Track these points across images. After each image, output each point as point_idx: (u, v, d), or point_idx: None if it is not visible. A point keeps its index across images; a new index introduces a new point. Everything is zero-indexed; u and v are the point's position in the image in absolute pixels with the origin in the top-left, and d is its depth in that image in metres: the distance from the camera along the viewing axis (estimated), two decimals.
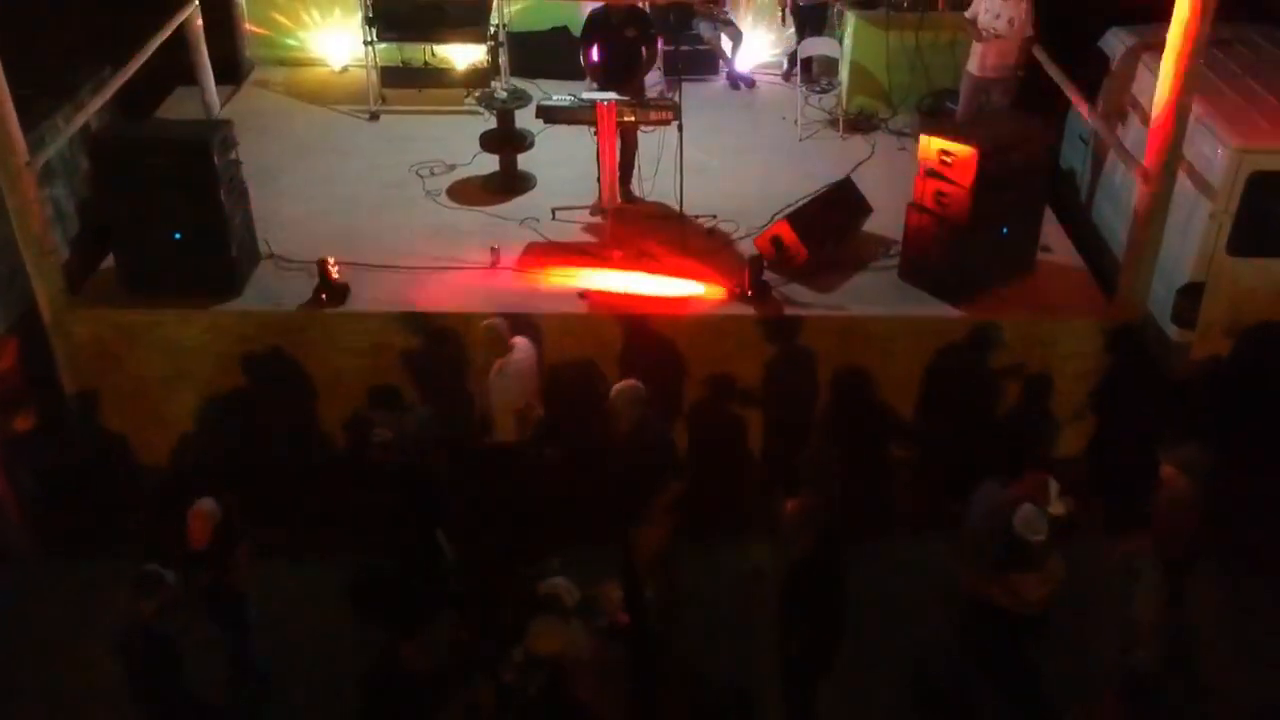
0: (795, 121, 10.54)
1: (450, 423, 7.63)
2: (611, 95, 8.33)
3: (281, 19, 11.59)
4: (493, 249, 8.44)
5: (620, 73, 8.68)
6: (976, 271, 7.98)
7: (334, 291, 8.02)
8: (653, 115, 8.43)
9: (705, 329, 8.00)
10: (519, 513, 7.29)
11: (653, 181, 8.99)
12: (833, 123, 10.63)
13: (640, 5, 9.15)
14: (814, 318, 7.97)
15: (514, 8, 11.20)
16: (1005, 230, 7.99)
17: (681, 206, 8.85)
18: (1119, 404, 8.04)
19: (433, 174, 9.70)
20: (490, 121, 9.63)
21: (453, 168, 9.77)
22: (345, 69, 11.59)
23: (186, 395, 8.13)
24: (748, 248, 8.63)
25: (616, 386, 6.56)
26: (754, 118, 10.85)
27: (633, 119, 8.45)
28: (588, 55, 8.86)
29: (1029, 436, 8.08)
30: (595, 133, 8.58)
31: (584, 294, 8.13)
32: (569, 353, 8.00)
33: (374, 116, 10.70)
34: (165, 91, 11.25)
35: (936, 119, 10.23)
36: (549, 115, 8.53)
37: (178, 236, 7.83)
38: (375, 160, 9.98)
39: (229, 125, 7.94)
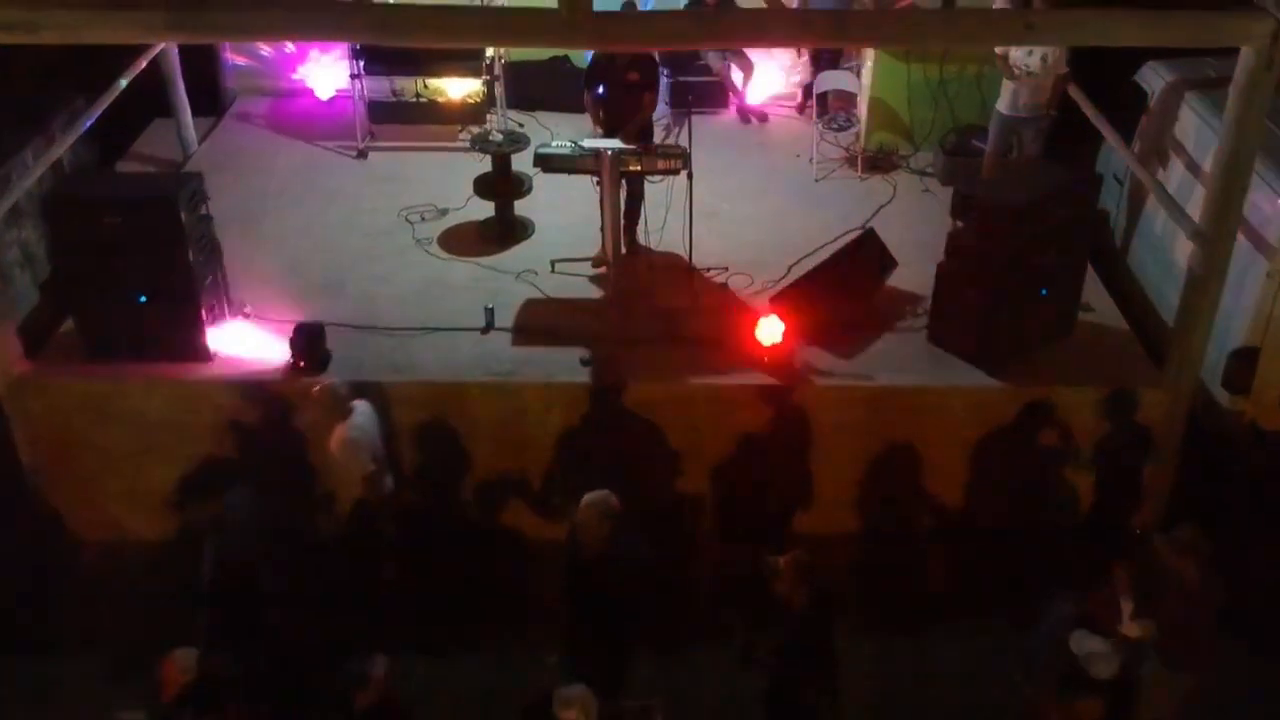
0: (811, 160, 9.87)
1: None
2: (615, 143, 7.67)
3: (265, 48, 10.92)
4: (487, 310, 7.78)
5: (623, 119, 8.02)
6: (1014, 336, 7.33)
7: (315, 357, 7.36)
8: (660, 164, 7.77)
9: (718, 400, 7.34)
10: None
11: (661, 230, 8.32)
12: (851, 161, 9.97)
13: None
14: (839, 388, 7.30)
15: None
16: (1045, 291, 7.33)
17: (691, 259, 8.22)
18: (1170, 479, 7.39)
19: (423, 219, 9.04)
20: (485, 162, 8.97)
21: (444, 212, 9.12)
22: (332, 100, 10.92)
23: (156, 470, 7.46)
24: (764, 305, 7.97)
25: (586, 498, 5.78)
26: (766, 155, 10.18)
27: (638, 169, 7.79)
28: (589, 99, 8.21)
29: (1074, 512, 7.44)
30: (598, 181, 7.95)
31: (586, 361, 7.46)
32: (569, 424, 7.35)
33: (361, 154, 10.05)
34: (143, 123, 10.64)
35: (961, 158, 9.56)
36: (547, 164, 7.87)
37: (143, 300, 7.19)
38: (362, 203, 9.33)
39: (198, 179, 7.28)
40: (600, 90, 8.12)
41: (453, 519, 7.59)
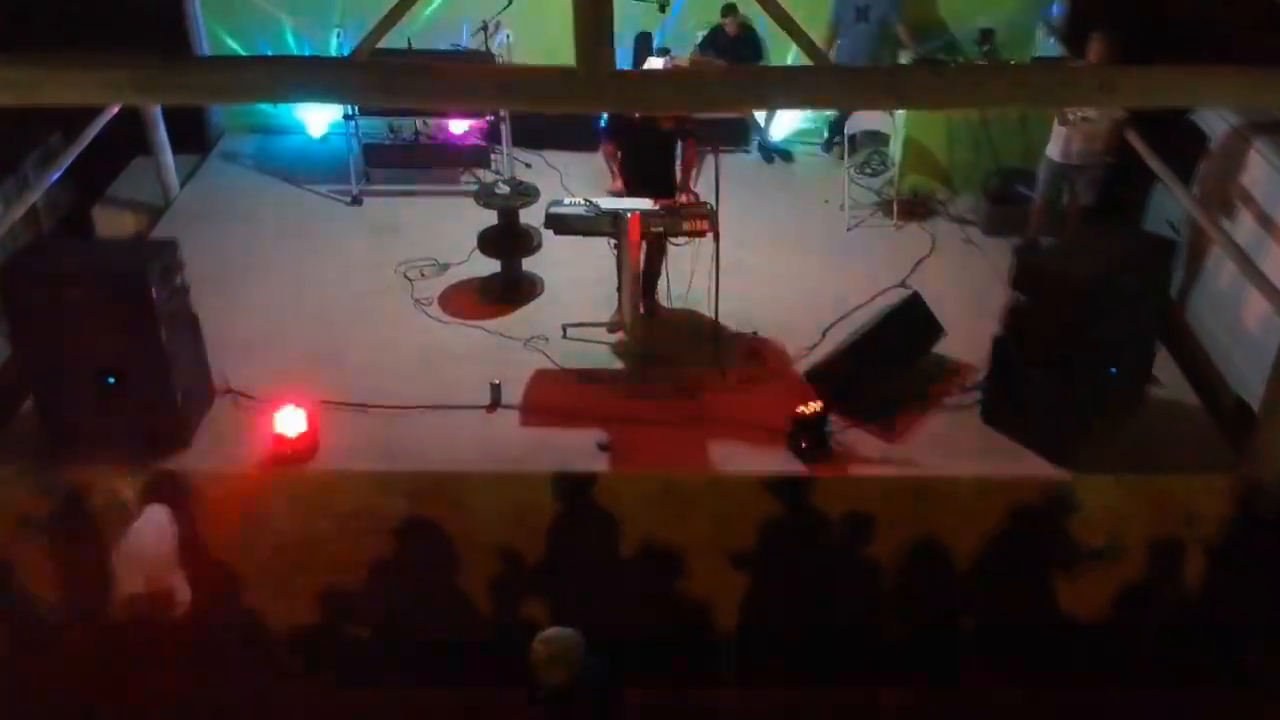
0: (841, 206, 9.13)
1: None
2: (636, 204, 6.94)
3: None
4: (493, 385, 7.05)
5: (649, 172, 7.28)
6: (1080, 418, 6.58)
7: (301, 444, 6.63)
8: (686, 226, 7.02)
9: (749, 491, 6.59)
10: None
11: (686, 292, 7.58)
12: (883, 206, 9.23)
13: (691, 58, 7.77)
14: (883, 478, 6.56)
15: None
16: (1114, 370, 6.59)
17: (717, 322, 7.49)
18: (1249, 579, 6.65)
19: (423, 276, 8.31)
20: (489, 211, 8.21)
21: (445, 267, 8.39)
22: (325, 138, 10.20)
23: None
24: (796, 375, 7.26)
25: (543, 636, 4.98)
26: (793, 199, 9.44)
27: (661, 231, 7.05)
28: (609, 148, 7.46)
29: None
30: (615, 243, 7.22)
31: (604, 445, 6.73)
32: (584, 517, 6.61)
33: (356, 200, 9.31)
34: (124, 160, 9.92)
35: (1006, 205, 8.83)
36: (559, 225, 7.12)
37: (110, 381, 6.46)
38: (356, 256, 8.60)
39: (171, 247, 6.54)
40: (623, 139, 7.36)
41: (442, 627, 6.84)
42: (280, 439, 6.61)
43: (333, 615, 6.83)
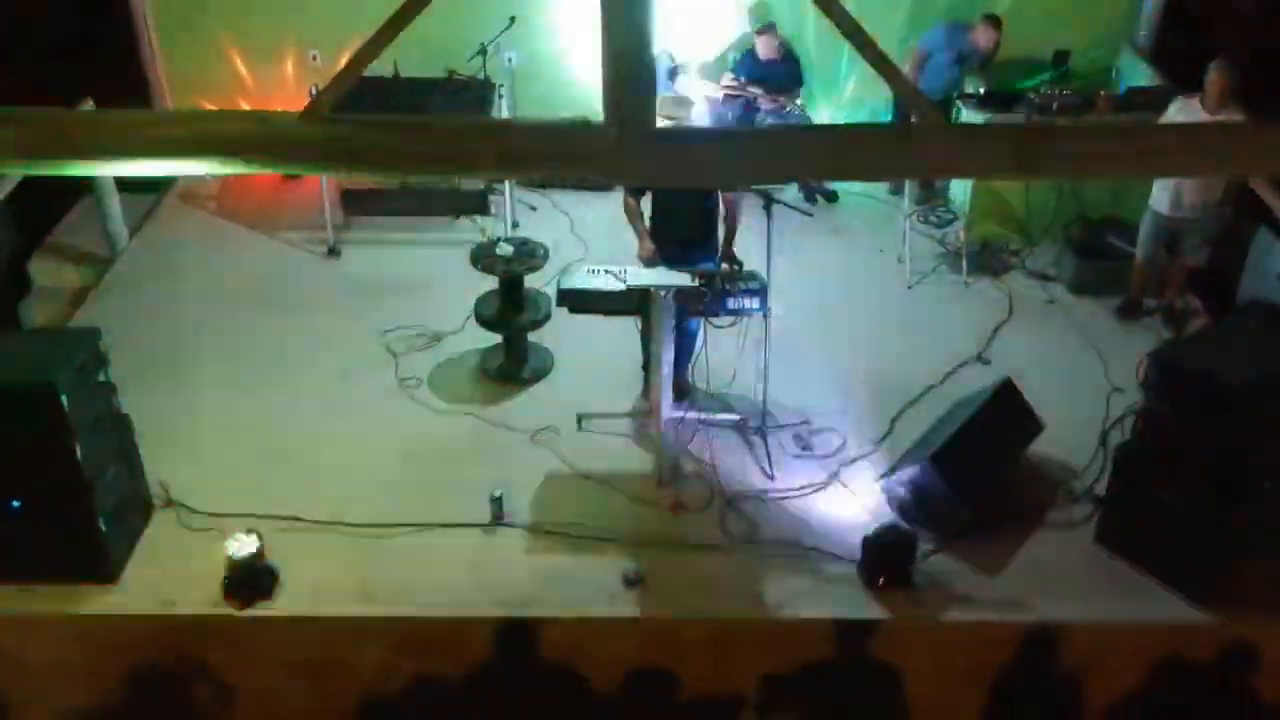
0: (901, 259, 7.82)
1: None
2: (670, 279, 5.63)
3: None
4: (493, 499, 5.73)
5: (683, 234, 5.97)
6: (1222, 547, 5.27)
7: (254, 583, 5.31)
8: (730, 304, 5.71)
9: (813, 638, 5.29)
10: None
11: (730, 382, 6.29)
12: (949, 259, 7.91)
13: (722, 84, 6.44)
14: (981, 624, 5.25)
15: (522, 97, 8.46)
16: (1271, 487, 5.29)
17: (765, 413, 6.20)
18: None
19: (410, 348, 6.99)
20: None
21: (438, 338, 7.07)
22: (299, 177, 8.87)
23: None
24: (862, 480, 5.97)
25: None
26: (842, 249, 8.12)
27: (700, 312, 5.74)
28: (633, 202, 6.15)
29: None
30: (642, 320, 5.93)
31: (633, 579, 5.41)
32: (604, 669, 5.32)
33: (332, 251, 8.00)
34: (69, 202, 8.66)
35: (1097, 260, 7.52)
36: (575, 302, 5.79)
37: (16, 505, 5.16)
38: (331, 323, 7.27)
39: (91, 339, 5.22)
40: (653, 199, 6.07)
41: None
42: (229, 576, 5.29)
43: None
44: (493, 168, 4.32)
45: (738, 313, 5.75)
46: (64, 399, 4.92)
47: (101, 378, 5.31)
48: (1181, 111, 6.69)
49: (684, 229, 6.11)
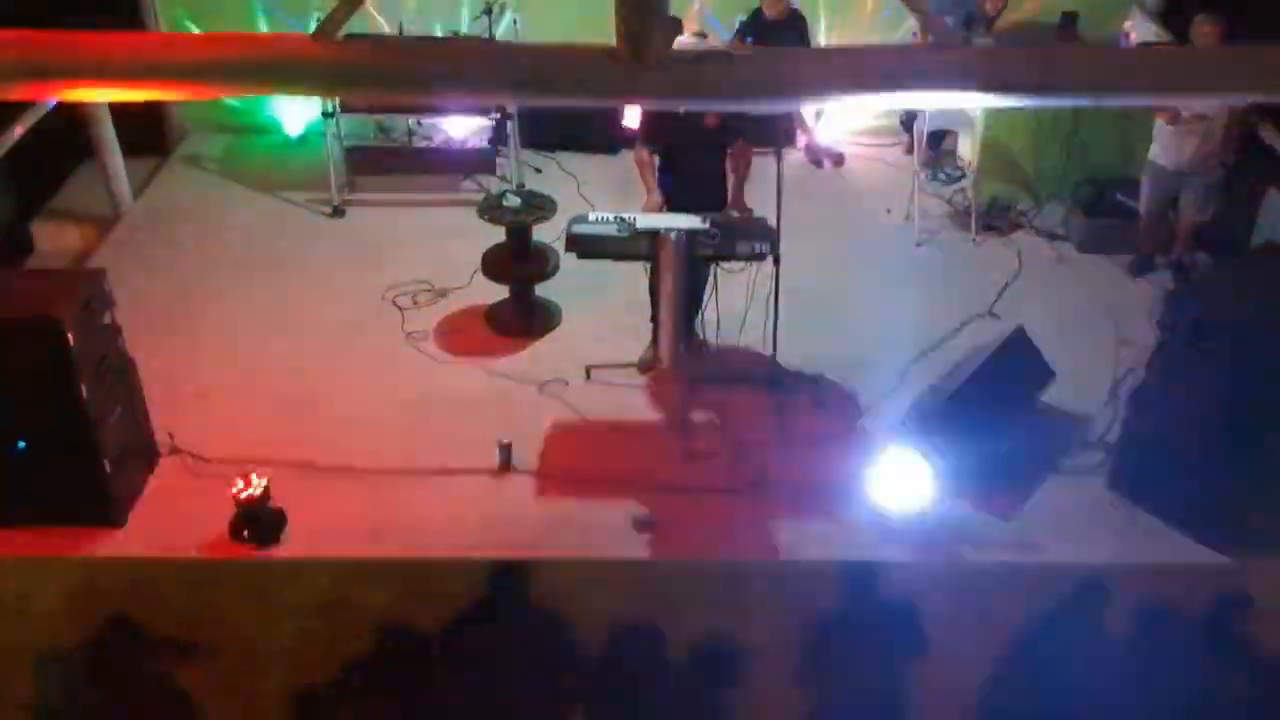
0: (907, 216, 7.78)
1: None
2: (680, 221, 5.59)
3: None
4: (501, 445, 5.69)
5: (693, 183, 5.92)
6: (1236, 491, 5.24)
7: (262, 524, 5.27)
8: (740, 249, 5.66)
9: (827, 580, 5.23)
10: None
11: (741, 327, 6.22)
12: (954, 217, 7.87)
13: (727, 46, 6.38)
14: (999, 569, 5.21)
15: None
16: None
17: (776, 363, 6.15)
18: None
19: (416, 304, 6.95)
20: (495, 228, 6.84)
21: (444, 294, 7.03)
22: (304, 138, 8.84)
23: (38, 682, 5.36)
24: (874, 430, 5.93)
25: None
26: (848, 209, 8.08)
27: (710, 254, 5.70)
28: (644, 153, 6.10)
29: None
30: (651, 267, 5.89)
31: (643, 523, 5.37)
32: (615, 620, 5.26)
33: (337, 211, 7.95)
34: (70, 166, 8.58)
35: (1105, 219, 7.48)
36: (584, 248, 5.75)
37: (21, 446, 5.12)
38: (336, 281, 7.23)
39: (97, 279, 5.18)
40: (661, 141, 6.01)
41: None
42: (237, 516, 5.25)
43: None
44: (507, 92, 4.25)
45: (747, 257, 5.70)
46: (69, 335, 4.87)
47: (107, 319, 5.27)
48: None
49: (694, 183, 6.06)
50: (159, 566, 5.21)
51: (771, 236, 5.67)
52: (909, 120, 8.17)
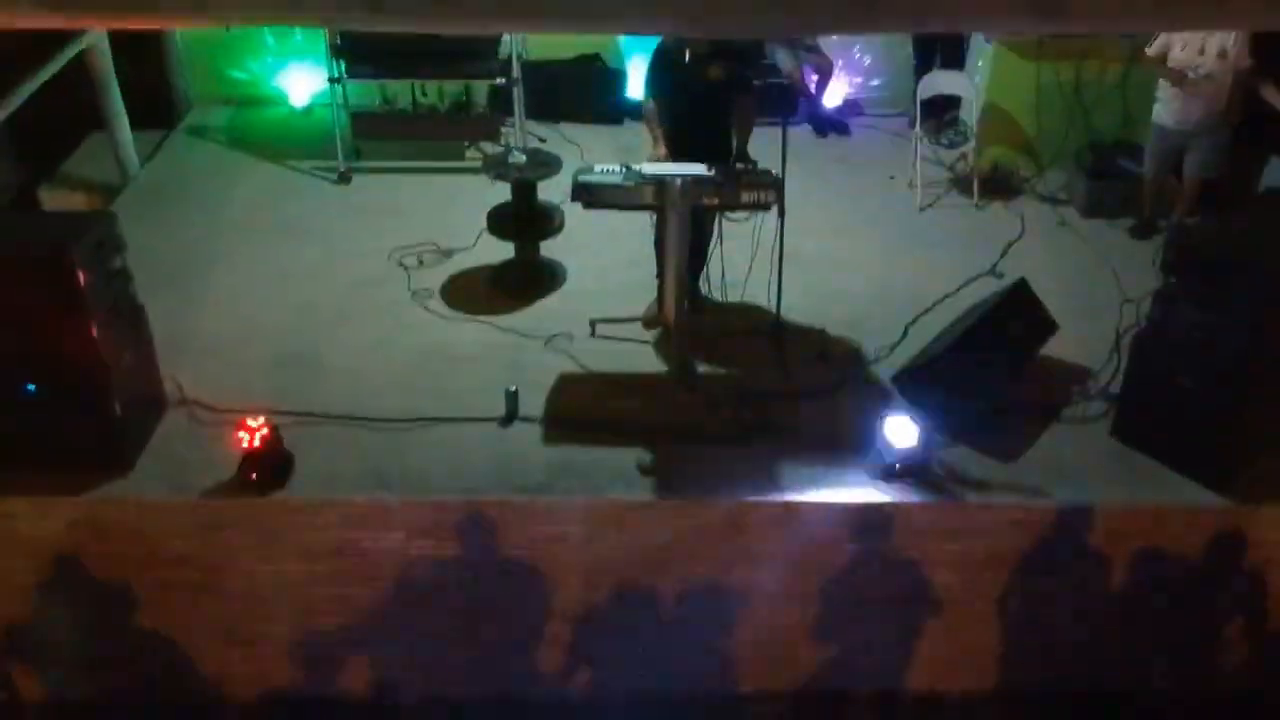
0: (911, 184, 7.82)
1: None
2: (685, 169, 5.63)
3: (226, 48, 8.91)
4: (508, 394, 5.73)
5: (697, 134, 5.96)
6: (1238, 434, 5.27)
7: (269, 466, 5.30)
8: (745, 197, 5.70)
9: (831, 524, 5.28)
10: None
11: (745, 281, 6.26)
12: (958, 183, 7.92)
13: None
14: (1003, 510, 5.24)
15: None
16: None
17: (779, 316, 6.19)
18: None
19: (421, 264, 6.99)
20: (500, 188, 6.89)
21: (449, 254, 7.07)
22: (309, 109, 8.90)
23: (50, 619, 5.40)
24: (877, 380, 5.96)
25: None
26: (852, 176, 8.14)
27: (716, 202, 5.74)
28: (651, 106, 6.14)
29: None
30: (656, 218, 5.93)
31: (647, 467, 5.41)
32: (626, 558, 5.31)
33: (343, 177, 8.00)
34: (79, 137, 8.63)
35: (1108, 181, 7.53)
36: (591, 197, 5.78)
37: (31, 389, 5.15)
38: (342, 243, 7.28)
39: (107, 221, 5.21)
40: (667, 93, 6.05)
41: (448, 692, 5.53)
42: (245, 459, 5.28)
43: (311, 678, 5.54)
44: (518, 19, 4.25)
45: (751, 206, 5.73)
46: (80, 273, 4.90)
47: (118, 263, 5.30)
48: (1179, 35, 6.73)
49: (698, 137, 6.08)
50: (166, 508, 5.25)
51: (776, 186, 5.71)
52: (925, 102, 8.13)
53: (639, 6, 3.88)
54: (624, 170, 5.72)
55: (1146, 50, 6.94)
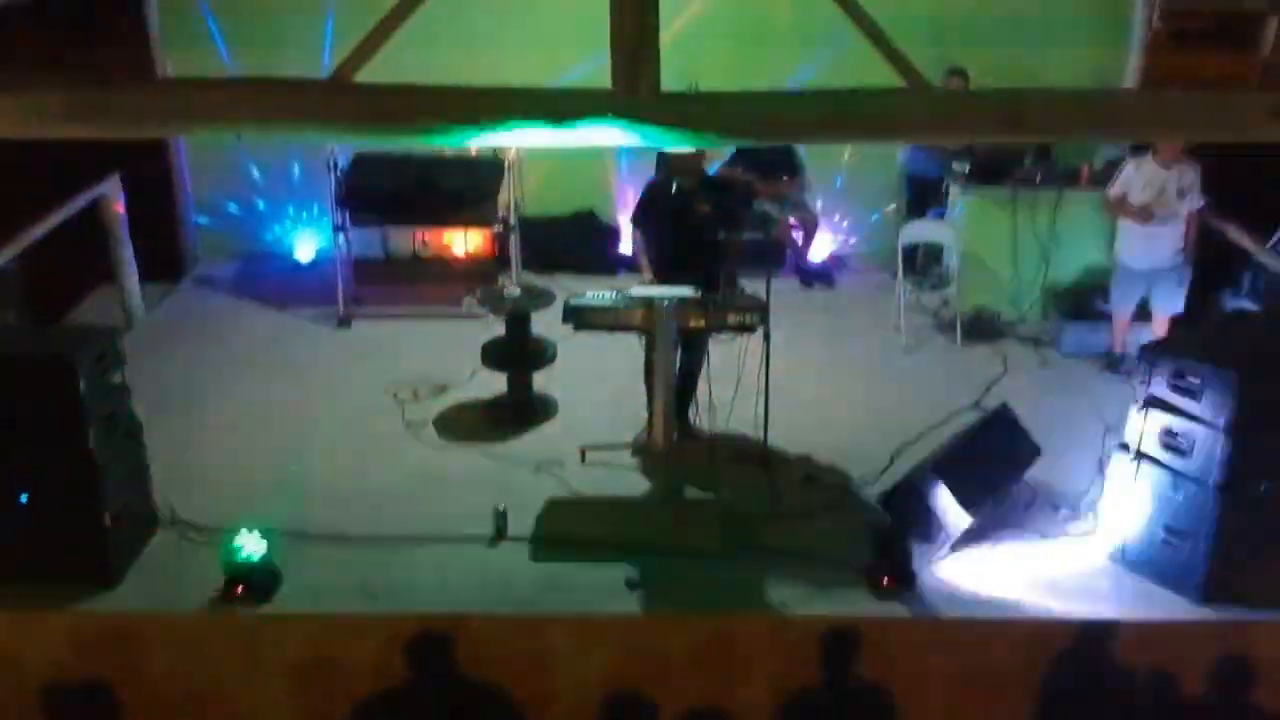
0: (897, 326, 8.04)
1: None
2: (673, 292, 5.83)
3: (235, 204, 9.31)
4: (497, 513, 5.76)
5: (687, 260, 6.19)
6: (1231, 550, 5.28)
7: (256, 581, 5.29)
8: (731, 318, 5.89)
9: (817, 636, 5.21)
10: None
11: (729, 410, 6.37)
12: (942, 327, 8.14)
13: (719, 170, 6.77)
14: (997, 625, 5.20)
15: (528, 184, 8.79)
16: (1266, 488, 5.33)
17: (766, 440, 6.28)
18: None
19: (416, 398, 7.12)
20: (496, 327, 7.11)
21: (444, 390, 7.21)
22: (314, 263, 9.22)
23: None
24: (864, 504, 6.01)
25: None
26: (839, 321, 8.36)
27: (703, 324, 5.92)
28: (641, 238, 6.41)
29: None
30: (646, 343, 6.09)
31: (634, 583, 5.40)
32: (617, 673, 5.22)
33: (344, 322, 8.22)
34: (86, 290, 8.88)
35: (1084, 321, 7.75)
36: (581, 318, 5.98)
37: (24, 500, 5.20)
38: (340, 379, 7.44)
39: (108, 335, 5.39)
40: (656, 225, 6.33)
41: None
42: (232, 573, 5.28)
43: None
44: (515, 122, 4.52)
45: (738, 327, 5.91)
46: (81, 382, 5.03)
47: (118, 378, 5.44)
48: (1138, 170, 7.09)
49: (682, 258, 6.31)
50: (150, 621, 5.21)
51: (761, 309, 5.90)
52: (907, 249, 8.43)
53: None
54: (614, 295, 5.93)
55: (1108, 193, 7.28)
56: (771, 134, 5.10)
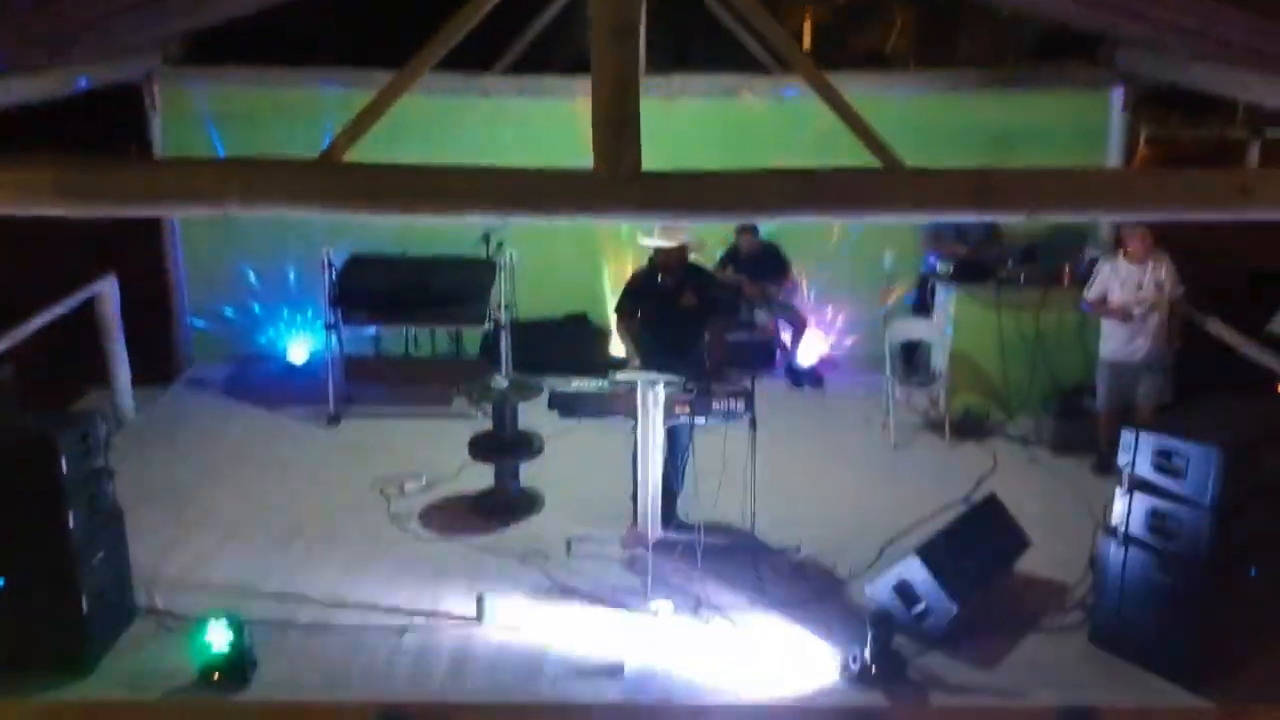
0: (885, 424, 8.05)
1: None
2: (659, 378, 5.87)
3: (231, 308, 9.41)
4: (479, 598, 5.70)
5: (672, 350, 6.25)
6: (1212, 635, 5.20)
7: (232, 668, 5.20)
8: (716, 405, 5.91)
9: None
10: None
11: (715, 500, 6.33)
12: (932, 426, 8.15)
13: (701, 266, 6.88)
14: (985, 713, 5.10)
15: (520, 286, 8.89)
16: (1254, 571, 5.29)
17: (754, 531, 6.24)
18: None
19: (403, 493, 7.10)
20: (485, 424, 7.13)
21: (431, 484, 7.19)
22: (307, 365, 9.27)
23: None
24: (855, 599, 5.93)
25: None
26: (828, 420, 8.38)
27: (688, 409, 5.93)
28: (624, 327, 6.49)
29: None
30: (634, 430, 6.09)
31: (619, 672, 5.30)
32: None
33: (333, 419, 8.23)
34: (77, 393, 8.91)
35: (1072, 420, 7.77)
36: (567, 406, 6.00)
37: (1, 584, 5.15)
38: (327, 473, 7.43)
39: (92, 419, 5.39)
40: (641, 315, 6.41)
41: None
42: (208, 660, 5.19)
43: None
44: (501, 203, 4.61)
45: (724, 415, 5.92)
46: (62, 462, 5.02)
47: (100, 462, 5.42)
48: (1114, 271, 7.20)
49: (673, 357, 6.36)
50: (122, 710, 5.10)
51: (747, 396, 5.92)
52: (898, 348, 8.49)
53: None
54: (600, 382, 5.96)
55: (1086, 296, 7.37)
56: (749, 211, 5.20)
